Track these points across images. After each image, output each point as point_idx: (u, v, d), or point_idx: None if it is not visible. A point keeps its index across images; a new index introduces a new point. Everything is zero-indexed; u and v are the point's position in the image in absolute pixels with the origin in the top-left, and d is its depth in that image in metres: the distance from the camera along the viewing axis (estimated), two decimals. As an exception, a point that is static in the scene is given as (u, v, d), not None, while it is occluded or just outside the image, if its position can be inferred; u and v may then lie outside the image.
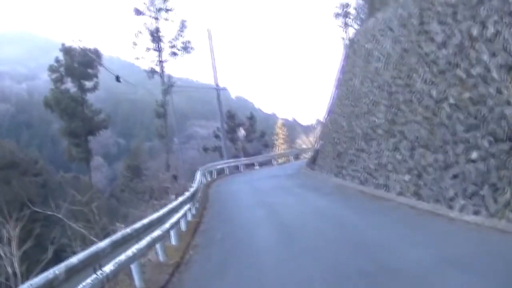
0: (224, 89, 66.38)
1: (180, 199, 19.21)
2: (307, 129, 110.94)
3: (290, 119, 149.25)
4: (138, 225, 11.25)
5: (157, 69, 67.29)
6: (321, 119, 63.42)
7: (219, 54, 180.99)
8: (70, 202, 28.31)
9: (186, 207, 19.39)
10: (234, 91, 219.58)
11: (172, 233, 15.80)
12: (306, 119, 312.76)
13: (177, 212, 16.79)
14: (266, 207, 22.76)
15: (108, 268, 8.54)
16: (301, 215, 19.36)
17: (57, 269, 6.56)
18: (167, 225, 14.16)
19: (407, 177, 19.16)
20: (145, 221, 12.02)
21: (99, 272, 8.01)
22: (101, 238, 20.03)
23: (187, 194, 21.82)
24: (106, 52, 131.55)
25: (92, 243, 21.28)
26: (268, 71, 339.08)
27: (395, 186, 20.27)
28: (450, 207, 15.03)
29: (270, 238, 15.18)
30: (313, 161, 39.71)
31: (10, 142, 70.86)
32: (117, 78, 31.58)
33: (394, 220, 15.56)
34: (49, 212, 25.78)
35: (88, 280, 7.58)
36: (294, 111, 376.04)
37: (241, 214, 22.33)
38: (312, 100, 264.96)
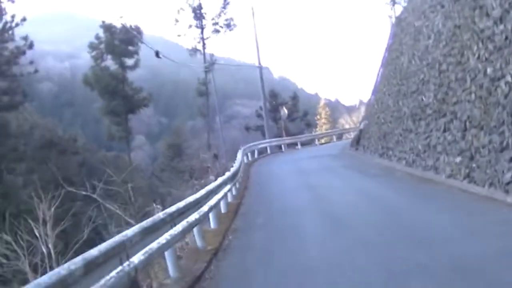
0: (265, 68, 65.53)
1: (220, 179, 18.43)
2: (350, 110, 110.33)
3: (332, 99, 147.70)
4: (172, 209, 10.35)
5: (199, 46, 66.84)
6: (364, 99, 62.18)
7: (261, 33, 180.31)
8: (107, 181, 27.70)
9: (226, 188, 18.59)
10: (277, 71, 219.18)
11: (211, 216, 15.02)
12: (349, 99, 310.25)
13: (216, 194, 16.01)
14: (310, 190, 21.90)
15: (137, 257, 7.71)
16: (348, 199, 18.26)
17: (73, 264, 5.70)
18: (205, 208, 13.32)
19: (458, 159, 18.16)
20: (181, 204, 11.15)
21: (126, 263, 7.20)
22: (137, 219, 19.52)
23: (227, 174, 21.10)
24: (150, 31, 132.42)
25: (128, 224, 20.83)
26: (311, 51, 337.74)
27: (445, 168, 19.29)
28: (507, 192, 14.00)
29: (316, 226, 14.14)
30: (357, 142, 38.76)
31: (49, 121, 70.79)
32: (157, 54, 31.13)
33: (448, 206, 14.53)
34: (83, 192, 25.24)
35: (113, 273, 6.78)
36: (337, 92, 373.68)
37: (284, 196, 21.41)
38: (355, 80, 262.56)
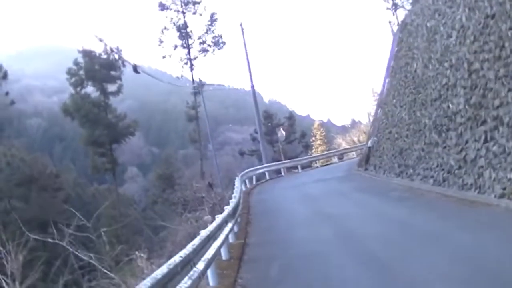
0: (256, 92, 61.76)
1: (219, 218, 14.34)
2: (342, 130, 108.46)
3: (325, 120, 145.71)
4: (146, 284, 6.34)
5: (186, 68, 63.28)
6: (356, 118, 59.18)
7: (249, 57, 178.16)
8: (91, 220, 24.29)
9: (227, 228, 14.65)
10: (267, 95, 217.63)
11: (209, 270, 10.87)
12: (341, 119, 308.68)
13: (215, 240, 12.03)
14: (328, 222, 17.95)
15: None
16: (381, 234, 14.13)
17: None
18: (200, 265, 9.32)
19: (512, 175, 14.62)
20: (160, 272, 6.95)
21: None
22: (114, 271, 16.19)
23: (227, 208, 17.14)
24: (138, 61, 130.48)
25: (104, 276, 17.43)
26: (300, 73, 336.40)
27: (493, 186, 15.80)
28: None
29: (358, 281, 9.95)
30: (366, 161, 35.28)
31: (37, 156, 67.43)
32: (135, 69, 27.89)
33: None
34: (50, 240, 21.71)
35: None
36: (328, 112, 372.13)
37: (298, 232, 17.13)
38: (345, 100, 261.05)
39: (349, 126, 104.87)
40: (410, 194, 21.00)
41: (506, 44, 16.11)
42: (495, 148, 16.10)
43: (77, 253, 19.79)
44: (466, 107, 18.76)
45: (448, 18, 22.26)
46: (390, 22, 48.59)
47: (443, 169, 20.34)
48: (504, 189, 15.02)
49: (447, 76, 21.27)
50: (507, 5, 16.22)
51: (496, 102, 16.33)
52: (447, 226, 13.64)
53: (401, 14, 45.83)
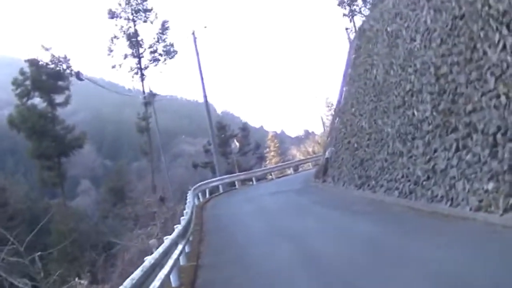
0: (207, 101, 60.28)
1: (168, 241, 12.49)
2: (296, 141, 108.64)
3: (278, 131, 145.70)
4: None
5: (137, 78, 61.47)
6: (310, 129, 58.64)
7: (202, 67, 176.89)
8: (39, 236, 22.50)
9: (177, 251, 12.94)
10: (220, 106, 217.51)
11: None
12: (294, 130, 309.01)
13: (162, 267, 10.34)
14: (289, 240, 16.23)
15: None
16: (353, 256, 12.21)
17: None
18: None
19: (490, 185, 13.45)
20: None
21: None
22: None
23: (177, 227, 15.42)
24: (90, 73, 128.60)
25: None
26: (252, 84, 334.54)
27: (468, 199, 14.47)
28: None
29: None
30: (323, 172, 34.00)
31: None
32: (78, 75, 26.52)
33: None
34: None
35: None
36: (281, 123, 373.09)
37: (256, 252, 15.47)
38: (298, 111, 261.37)
39: (303, 137, 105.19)
40: (375, 208, 19.59)
41: (478, 45, 15.02)
42: (468, 157, 14.91)
43: (11, 279, 17.85)
44: (434, 113, 17.70)
45: (411, 21, 21.40)
46: (347, 29, 47.70)
47: (409, 180, 19.07)
48: (480, 201, 13.72)
49: (411, 82, 20.31)
50: (478, 4, 15.14)
51: (469, 108, 15.22)
52: (423, 244, 12.15)
53: (359, 20, 45.15)
